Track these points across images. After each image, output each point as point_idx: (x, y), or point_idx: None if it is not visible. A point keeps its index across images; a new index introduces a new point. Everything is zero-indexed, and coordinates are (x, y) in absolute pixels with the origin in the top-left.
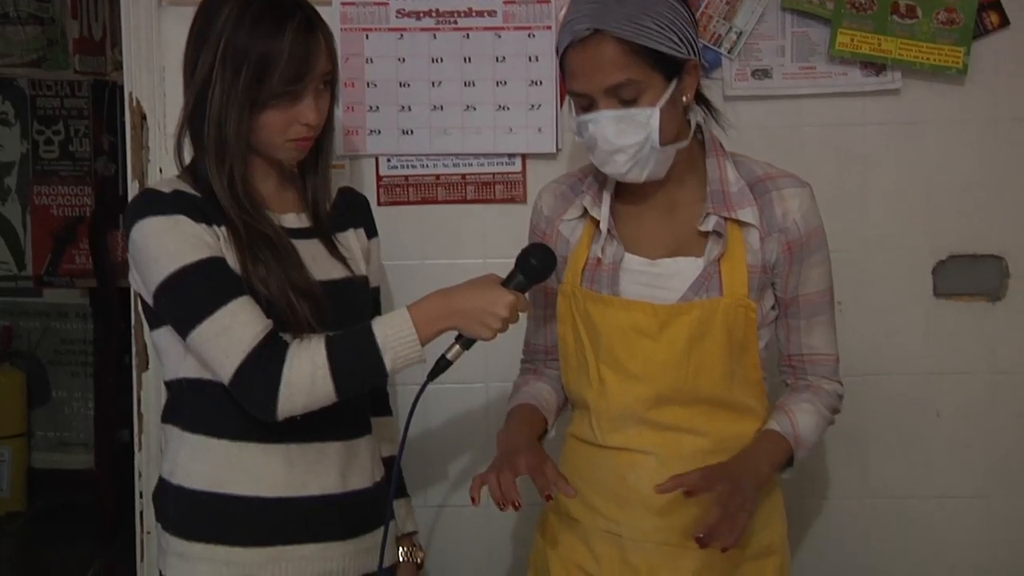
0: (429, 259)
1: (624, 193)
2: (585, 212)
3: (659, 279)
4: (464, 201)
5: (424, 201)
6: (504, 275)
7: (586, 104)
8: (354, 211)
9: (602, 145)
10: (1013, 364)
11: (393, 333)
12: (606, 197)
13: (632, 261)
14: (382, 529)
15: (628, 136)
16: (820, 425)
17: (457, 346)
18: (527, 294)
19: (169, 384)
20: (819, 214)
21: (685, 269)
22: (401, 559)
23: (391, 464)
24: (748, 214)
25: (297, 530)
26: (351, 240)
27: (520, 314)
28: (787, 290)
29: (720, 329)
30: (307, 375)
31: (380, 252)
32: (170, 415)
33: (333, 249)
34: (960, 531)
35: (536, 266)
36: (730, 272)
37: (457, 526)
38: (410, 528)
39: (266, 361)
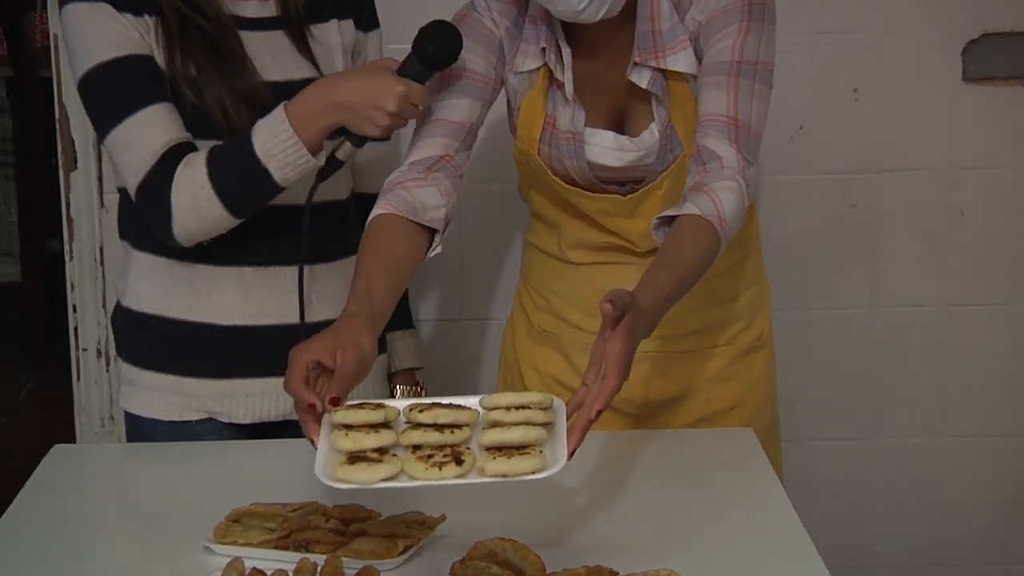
0: None
1: (569, 37)
2: (541, 62)
3: (625, 151)
4: None
5: None
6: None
7: None
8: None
9: None
10: None
11: (272, 139)
12: (566, 54)
13: (594, 136)
14: None
15: None
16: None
17: (348, 144)
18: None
19: (120, 191)
20: None
21: (646, 139)
22: (397, 397)
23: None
24: (681, 60)
25: (256, 362)
26: (330, 33)
27: (419, 105)
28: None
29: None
30: (191, 197)
31: (381, 47)
32: (122, 229)
33: (301, 44)
34: (978, 338)
35: (432, 52)
36: (684, 125)
37: (437, 342)
38: (409, 364)
39: (159, 183)
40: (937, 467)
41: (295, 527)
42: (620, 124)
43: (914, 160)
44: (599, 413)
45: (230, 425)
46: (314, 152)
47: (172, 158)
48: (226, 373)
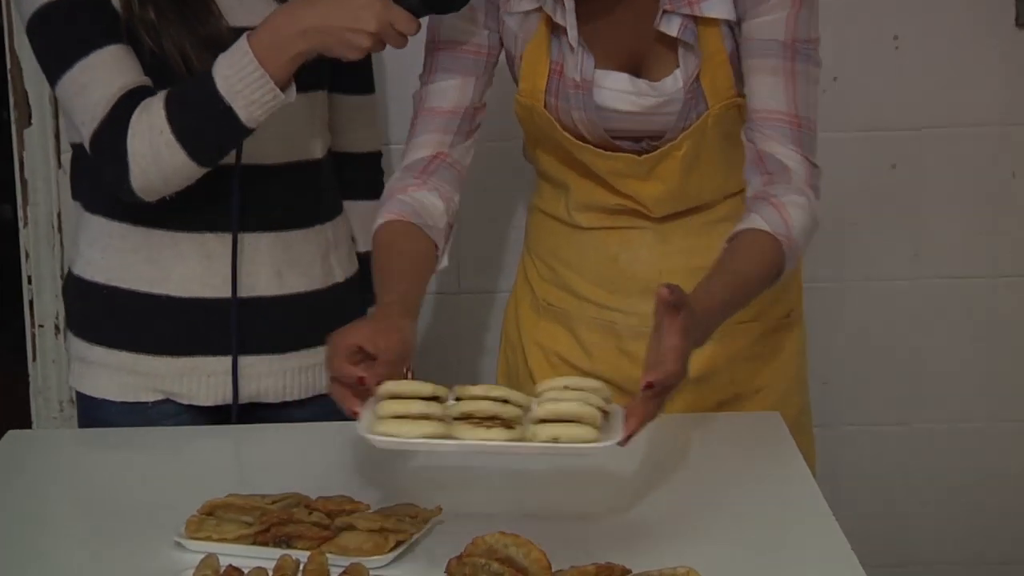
0: None
1: None
2: (539, 7)
3: (643, 95)
4: None
5: None
6: None
7: None
8: None
9: None
10: None
11: (235, 74)
12: None
13: (606, 79)
14: None
15: None
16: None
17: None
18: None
19: (73, 147)
20: None
21: (669, 85)
22: None
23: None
24: (717, 5)
25: (219, 338)
26: None
27: (405, 35)
28: (738, 32)
29: (713, 141)
30: (150, 144)
31: None
32: (75, 188)
33: None
34: None
35: None
36: (711, 81)
37: (431, 317)
38: None
39: (114, 130)
40: (986, 455)
41: (275, 521)
42: (636, 70)
43: (961, 115)
44: (649, 386)
45: (189, 408)
46: (283, 86)
47: (128, 103)
48: (185, 350)
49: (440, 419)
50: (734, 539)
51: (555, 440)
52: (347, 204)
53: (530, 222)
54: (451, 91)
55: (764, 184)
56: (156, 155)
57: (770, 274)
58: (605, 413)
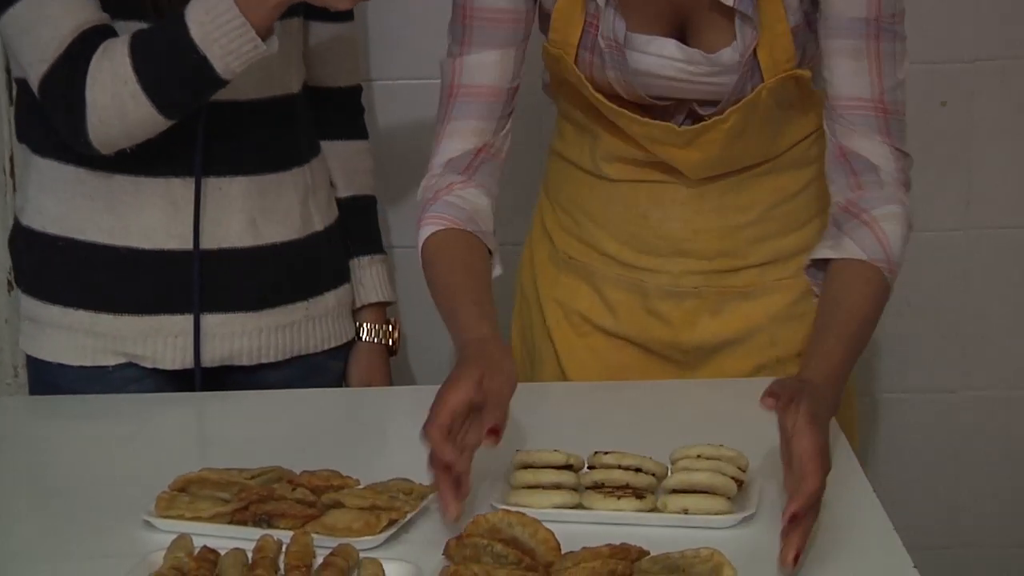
0: None
1: None
2: None
3: (694, 63)
4: None
5: None
6: None
7: None
8: None
9: None
10: None
11: (212, 20)
12: None
13: (649, 44)
14: (322, 298)
15: None
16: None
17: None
18: None
19: (18, 82)
20: None
21: (726, 57)
22: (363, 337)
23: (352, 208)
24: None
25: (185, 295)
26: None
27: None
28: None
29: (764, 113)
30: (112, 95)
31: None
32: (20, 129)
33: None
34: None
35: None
36: (769, 53)
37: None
38: (377, 297)
39: (70, 76)
40: None
41: (255, 498)
42: (682, 37)
43: (1018, 47)
44: (793, 518)
45: (154, 372)
46: (264, 36)
47: (85, 45)
48: (148, 308)
49: (572, 488)
50: (763, 518)
51: (684, 512)
52: (325, 145)
53: (549, 167)
54: (490, 67)
55: (851, 188)
56: (120, 107)
57: (878, 304)
58: (740, 483)
